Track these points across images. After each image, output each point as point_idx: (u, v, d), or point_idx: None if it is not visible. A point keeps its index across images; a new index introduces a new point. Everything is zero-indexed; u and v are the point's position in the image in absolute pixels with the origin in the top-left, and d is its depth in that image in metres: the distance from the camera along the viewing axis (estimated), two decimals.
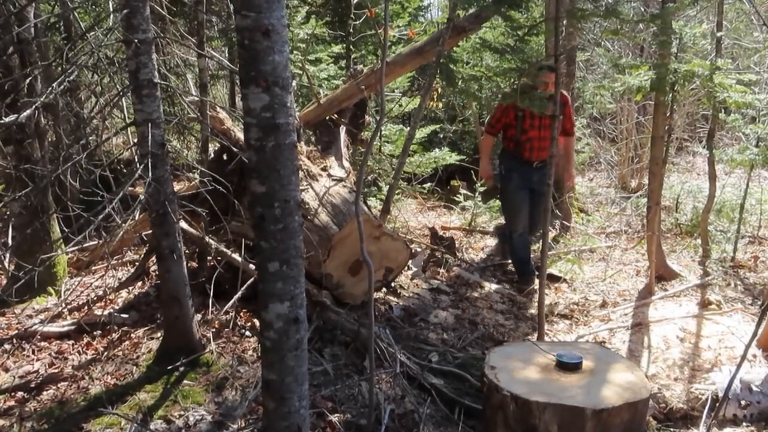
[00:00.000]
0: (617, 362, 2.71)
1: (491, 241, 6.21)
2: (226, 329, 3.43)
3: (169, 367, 2.97)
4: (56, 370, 3.14)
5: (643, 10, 7.75)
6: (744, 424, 2.94)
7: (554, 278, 5.04)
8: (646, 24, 5.73)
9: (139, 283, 4.17)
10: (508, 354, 2.78)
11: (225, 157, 4.11)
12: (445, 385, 3.10)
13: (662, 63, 4.39)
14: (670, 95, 4.64)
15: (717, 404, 2.74)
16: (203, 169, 3.45)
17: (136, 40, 2.69)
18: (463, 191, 7.16)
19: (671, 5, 4.32)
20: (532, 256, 4.97)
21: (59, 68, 3.27)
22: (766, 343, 3.45)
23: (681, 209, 6.79)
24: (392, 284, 4.23)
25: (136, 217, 4.00)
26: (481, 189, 6.04)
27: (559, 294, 4.84)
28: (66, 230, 3.81)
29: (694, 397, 3.15)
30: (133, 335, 3.45)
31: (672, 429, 2.95)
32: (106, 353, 3.25)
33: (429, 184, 7.67)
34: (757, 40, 7.27)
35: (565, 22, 5.35)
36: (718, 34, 4.97)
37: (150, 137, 2.75)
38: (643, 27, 7.16)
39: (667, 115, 4.69)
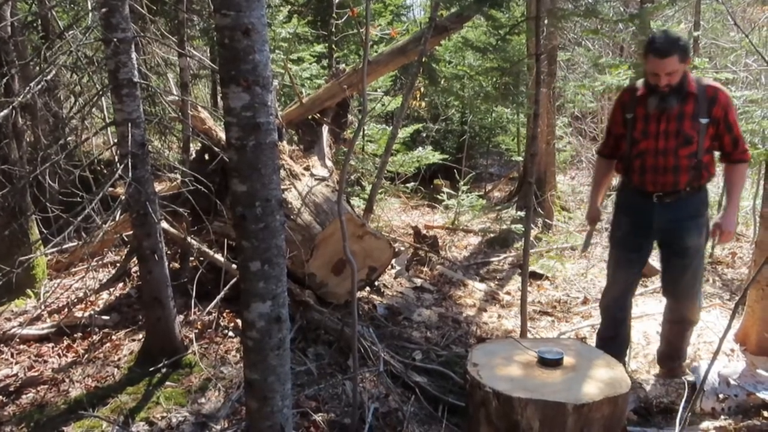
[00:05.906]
0: (598, 358, 2.74)
1: (474, 239, 6.24)
2: (208, 330, 3.41)
3: (151, 369, 2.95)
4: (36, 374, 3.10)
5: (622, 10, 7.83)
6: (722, 417, 2.99)
7: (536, 276, 5.09)
8: (626, 24, 5.80)
9: (120, 285, 4.13)
10: (491, 351, 2.80)
11: (207, 156, 4.09)
12: (428, 383, 3.12)
13: (641, 62, 4.45)
14: None
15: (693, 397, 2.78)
16: (185, 169, 3.43)
17: (115, 39, 2.66)
18: (446, 190, 7.19)
19: (650, 5, 4.39)
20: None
21: (37, 67, 3.23)
22: (744, 337, 3.51)
23: None
24: (376, 283, 4.24)
25: (117, 218, 3.96)
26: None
27: (541, 291, 4.88)
28: (45, 231, 3.76)
29: (674, 391, 3.21)
30: (114, 337, 3.42)
31: (652, 423, 2.99)
32: (86, 356, 3.22)
33: (412, 183, 7.71)
34: (733, 40, 7.39)
35: (546, 21, 5.39)
36: (695, 34, 5.05)
37: (130, 137, 2.73)
38: (622, 27, 7.22)
39: None
